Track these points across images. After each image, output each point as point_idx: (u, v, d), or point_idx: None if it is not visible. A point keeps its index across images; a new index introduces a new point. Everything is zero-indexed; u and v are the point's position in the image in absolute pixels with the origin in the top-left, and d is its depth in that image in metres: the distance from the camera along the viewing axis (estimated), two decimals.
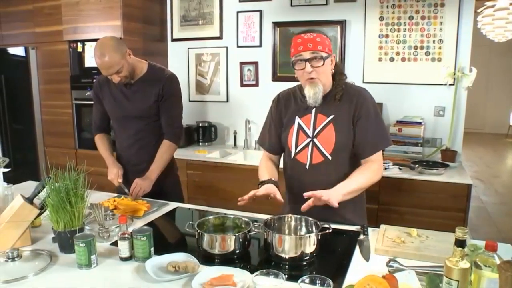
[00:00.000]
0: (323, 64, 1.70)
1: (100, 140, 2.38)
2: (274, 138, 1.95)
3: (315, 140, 1.79)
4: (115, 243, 1.55)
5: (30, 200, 1.60)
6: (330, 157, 1.76)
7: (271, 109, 1.97)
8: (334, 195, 1.59)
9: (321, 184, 1.68)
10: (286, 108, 1.90)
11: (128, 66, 2.11)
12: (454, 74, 3.09)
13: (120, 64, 2.05)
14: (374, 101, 1.80)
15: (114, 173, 2.20)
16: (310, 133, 1.80)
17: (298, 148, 1.83)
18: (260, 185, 1.81)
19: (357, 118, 1.75)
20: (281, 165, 2.00)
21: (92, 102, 2.41)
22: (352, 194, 1.69)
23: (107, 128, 2.43)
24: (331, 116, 1.77)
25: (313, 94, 1.75)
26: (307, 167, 1.80)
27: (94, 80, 2.38)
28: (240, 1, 3.70)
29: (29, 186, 2.01)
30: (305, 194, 1.60)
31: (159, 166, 2.23)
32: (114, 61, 2.02)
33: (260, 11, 3.65)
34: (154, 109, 2.23)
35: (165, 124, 2.27)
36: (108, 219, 1.77)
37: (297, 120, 1.84)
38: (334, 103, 1.78)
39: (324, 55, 1.70)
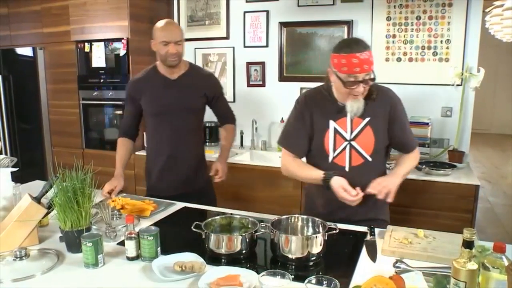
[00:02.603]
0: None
1: (120, 145, 2.35)
2: (304, 141, 1.86)
3: (352, 143, 1.79)
4: (122, 243, 1.56)
5: (37, 200, 1.61)
6: (370, 159, 1.79)
7: (299, 110, 1.87)
8: (393, 187, 1.72)
9: (363, 185, 1.71)
10: (317, 110, 1.83)
11: (183, 48, 2.23)
12: (462, 74, 3.07)
13: (183, 38, 2.20)
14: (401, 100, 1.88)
15: (113, 185, 2.14)
16: (347, 136, 1.79)
17: (336, 152, 1.81)
18: (328, 176, 1.73)
19: (393, 119, 1.80)
20: None
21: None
22: (403, 179, 1.82)
23: (133, 133, 2.39)
24: (367, 119, 1.77)
25: (356, 109, 1.73)
26: (347, 169, 1.80)
27: (128, 82, 2.43)
28: (247, 1, 3.70)
29: (37, 185, 2.02)
30: (368, 191, 1.70)
31: (228, 147, 2.46)
32: (180, 31, 2.21)
33: (267, 11, 3.64)
34: (199, 104, 2.34)
35: (223, 115, 2.49)
36: (115, 218, 1.78)
37: (332, 124, 1.80)
38: (368, 105, 1.75)
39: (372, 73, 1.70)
